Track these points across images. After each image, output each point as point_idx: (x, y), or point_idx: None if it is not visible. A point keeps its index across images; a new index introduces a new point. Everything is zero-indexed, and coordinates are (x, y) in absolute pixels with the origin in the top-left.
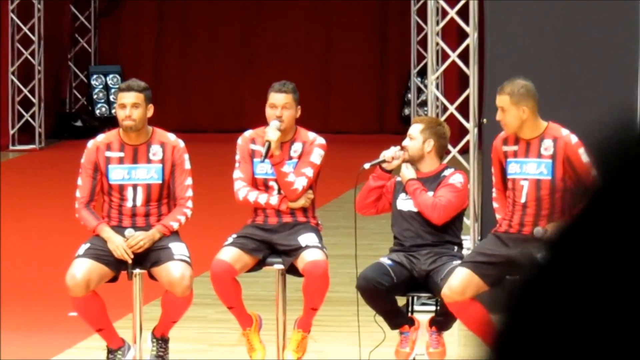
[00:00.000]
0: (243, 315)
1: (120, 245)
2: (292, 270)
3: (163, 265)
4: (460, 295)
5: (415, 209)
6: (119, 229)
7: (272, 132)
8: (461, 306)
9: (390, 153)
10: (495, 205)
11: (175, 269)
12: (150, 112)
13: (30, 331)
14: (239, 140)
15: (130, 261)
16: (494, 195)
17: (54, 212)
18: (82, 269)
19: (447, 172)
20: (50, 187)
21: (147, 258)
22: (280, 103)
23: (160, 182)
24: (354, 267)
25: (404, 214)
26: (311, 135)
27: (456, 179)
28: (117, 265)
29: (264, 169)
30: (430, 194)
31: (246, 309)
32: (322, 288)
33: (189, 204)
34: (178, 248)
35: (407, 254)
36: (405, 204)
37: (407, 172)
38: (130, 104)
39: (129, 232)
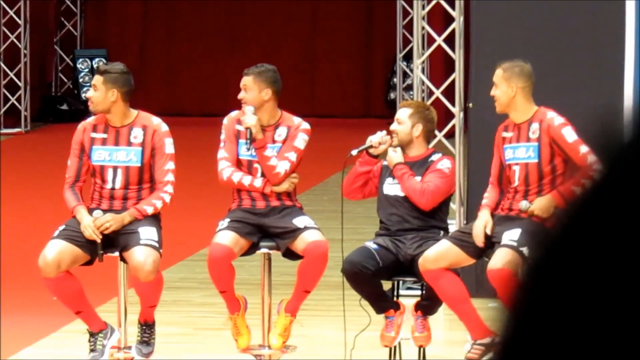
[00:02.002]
0: (233, 300)
1: (89, 225)
2: (287, 253)
3: (130, 249)
4: (432, 264)
5: (401, 194)
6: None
7: (249, 117)
8: (433, 275)
9: (376, 138)
10: (485, 194)
11: (139, 254)
12: (112, 96)
13: (16, 315)
14: (225, 120)
15: (98, 241)
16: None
17: (39, 195)
18: (54, 250)
19: (434, 157)
20: (36, 170)
21: (118, 242)
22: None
23: (139, 165)
24: (340, 251)
25: (390, 198)
26: (296, 119)
27: (444, 164)
28: (90, 248)
29: (248, 150)
30: (418, 178)
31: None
32: (319, 270)
33: (168, 188)
34: (146, 232)
35: (392, 238)
36: (391, 188)
37: (395, 156)
38: (92, 86)
39: (96, 213)
